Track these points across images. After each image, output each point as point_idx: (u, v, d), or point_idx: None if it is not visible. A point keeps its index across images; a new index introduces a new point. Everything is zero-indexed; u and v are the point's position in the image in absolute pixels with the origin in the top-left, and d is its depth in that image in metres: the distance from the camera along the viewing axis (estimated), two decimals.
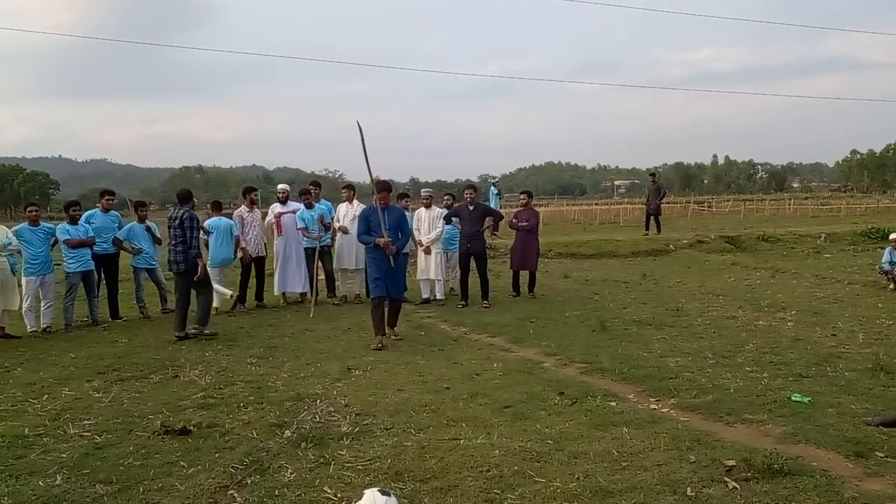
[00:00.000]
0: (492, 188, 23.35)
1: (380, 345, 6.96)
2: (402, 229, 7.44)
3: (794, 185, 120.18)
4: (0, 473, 3.88)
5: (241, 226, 10.04)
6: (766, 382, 5.26)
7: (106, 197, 9.82)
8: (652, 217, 18.77)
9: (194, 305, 8.11)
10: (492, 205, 21.03)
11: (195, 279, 8.02)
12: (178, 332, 7.79)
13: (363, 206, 10.42)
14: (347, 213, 10.23)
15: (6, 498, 3.53)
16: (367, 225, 7.31)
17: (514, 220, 10.45)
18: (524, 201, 10.71)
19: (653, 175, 20.74)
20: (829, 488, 3.33)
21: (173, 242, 8.00)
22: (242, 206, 10.33)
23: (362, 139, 7.52)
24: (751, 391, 5.04)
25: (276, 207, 10.45)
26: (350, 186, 11.04)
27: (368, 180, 7.66)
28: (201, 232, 8.78)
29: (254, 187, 10.85)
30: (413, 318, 8.73)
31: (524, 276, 10.50)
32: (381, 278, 7.27)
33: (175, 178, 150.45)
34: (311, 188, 10.36)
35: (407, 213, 9.65)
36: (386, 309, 7.39)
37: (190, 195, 8.41)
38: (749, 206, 39.19)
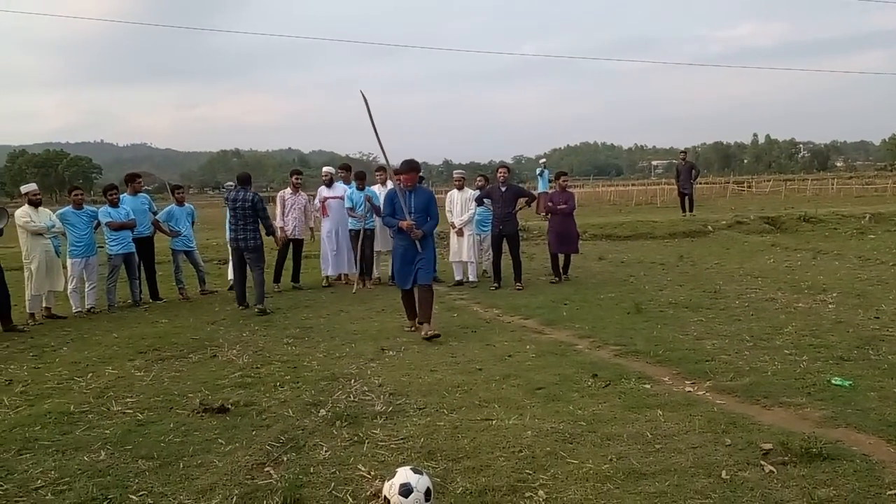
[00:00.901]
0: (539, 168, 21.77)
1: (412, 328, 6.87)
2: (429, 212, 6.84)
3: (838, 165, 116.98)
4: (47, 448, 4.02)
5: (281, 207, 10.19)
6: (806, 365, 5.15)
7: (136, 180, 10.00)
8: (686, 197, 18.13)
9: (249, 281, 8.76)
10: (540, 187, 20.35)
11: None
12: (259, 302, 8.37)
13: None
14: (381, 195, 10.27)
15: (53, 472, 3.65)
16: (391, 207, 6.83)
17: (550, 204, 10.33)
18: (564, 183, 10.55)
19: (684, 153, 19.80)
20: (869, 473, 3.26)
21: (242, 223, 8.55)
22: (287, 189, 10.45)
23: (368, 111, 7.07)
24: (789, 374, 4.95)
25: (323, 191, 10.51)
26: (383, 168, 11.06)
27: (386, 159, 7.47)
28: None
29: (299, 170, 10.93)
30: (446, 301, 8.75)
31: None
32: (407, 268, 6.82)
33: (213, 161, 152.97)
34: (340, 172, 10.48)
35: None
36: (416, 297, 6.94)
37: (249, 177, 8.96)
38: (790, 186, 38.35)
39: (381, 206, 7.40)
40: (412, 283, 6.81)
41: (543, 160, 21.94)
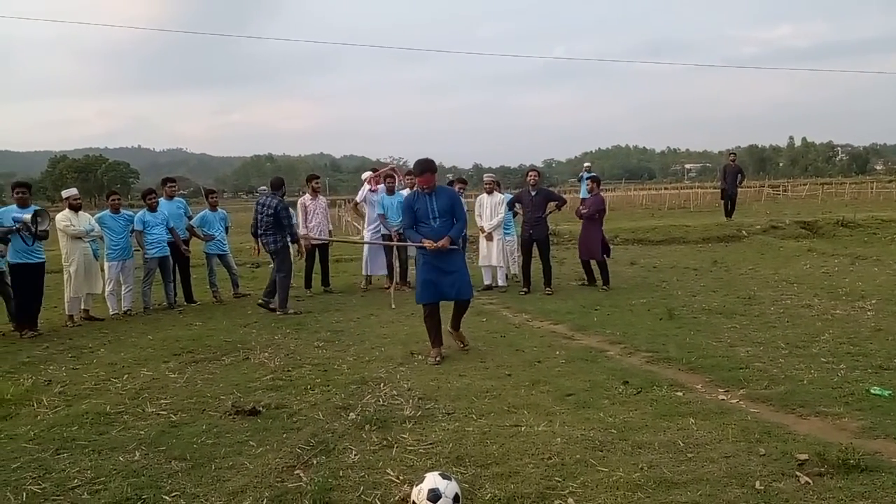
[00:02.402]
0: (586, 174, 20.79)
1: (438, 358, 5.87)
2: (455, 214, 6.01)
3: (878, 168, 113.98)
4: (84, 448, 4.10)
5: (304, 213, 10.23)
6: (843, 374, 5.04)
7: (168, 184, 10.15)
8: (730, 200, 17.44)
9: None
10: (582, 192, 19.84)
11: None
12: (281, 308, 8.57)
13: None
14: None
15: (89, 471, 3.73)
16: (412, 215, 5.99)
17: (580, 208, 10.25)
18: (591, 188, 10.38)
19: (734, 155, 19.05)
20: None
21: (264, 228, 8.73)
22: (306, 195, 10.50)
23: None
24: (826, 383, 4.84)
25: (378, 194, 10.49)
26: (412, 172, 11.10)
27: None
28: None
29: (316, 175, 10.97)
30: (475, 305, 8.70)
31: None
32: (433, 280, 5.95)
33: (247, 166, 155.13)
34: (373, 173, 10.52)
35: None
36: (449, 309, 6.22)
37: (282, 183, 9.10)
38: (827, 190, 37.54)
39: (402, 216, 6.50)
40: (444, 297, 6.00)
41: (588, 164, 20.89)
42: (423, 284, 6.02)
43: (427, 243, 5.84)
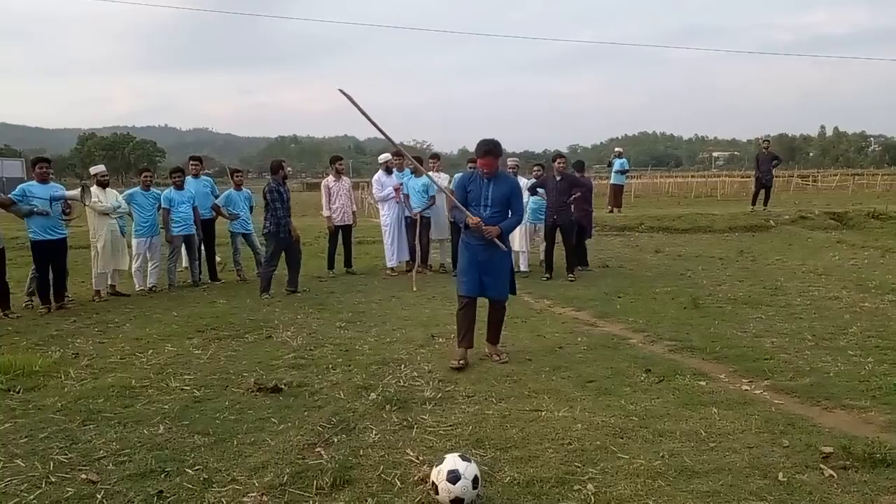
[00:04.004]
0: (617, 160, 19.00)
1: (462, 361, 5.24)
2: (512, 206, 5.39)
3: None
4: (110, 420, 4.17)
5: (327, 196, 10.23)
6: (871, 367, 4.95)
7: (192, 163, 10.21)
8: (765, 189, 16.92)
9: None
10: (612, 179, 19.06)
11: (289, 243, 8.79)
12: (263, 292, 8.53)
13: (447, 176, 10.46)
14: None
15: (114, 443, 3.79)
16: (464, 196, 5.41)
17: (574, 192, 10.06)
18: (562, 165, 10.37)
19: (767, 142, 18.47)
20: None
21: (265, 210, 8.75)
22: (329, 177, 10.47)
23: (356, 105, 5.44)
24: (853, 376, 4.76)
25: (383, 178, 10.43)
26: (436, 156, 11.08)
27: (391, 141, 6.35)
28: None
29: (340, 157, 10.87)
30: None
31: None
32: (473, 272, 5.40)
33: (271, 147, 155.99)
34: (395, 159, 10.46)
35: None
36: (486, 312, 5.61)
37: (279, 166, 9.00)
38: (858, 182, 36.81)
39: (456, 193, 5.65)
40: (483, 293, 5.46)
41: (619, 149, 19.88)
42: (463, 274, 5.46)
43: (471, 219, 5.22)
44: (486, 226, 5.22)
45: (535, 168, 10.39)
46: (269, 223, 8.69)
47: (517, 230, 9.86)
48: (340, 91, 5.36)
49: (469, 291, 5.42)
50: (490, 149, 5.23)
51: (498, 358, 5.38)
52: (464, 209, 5.30)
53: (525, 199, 9.83)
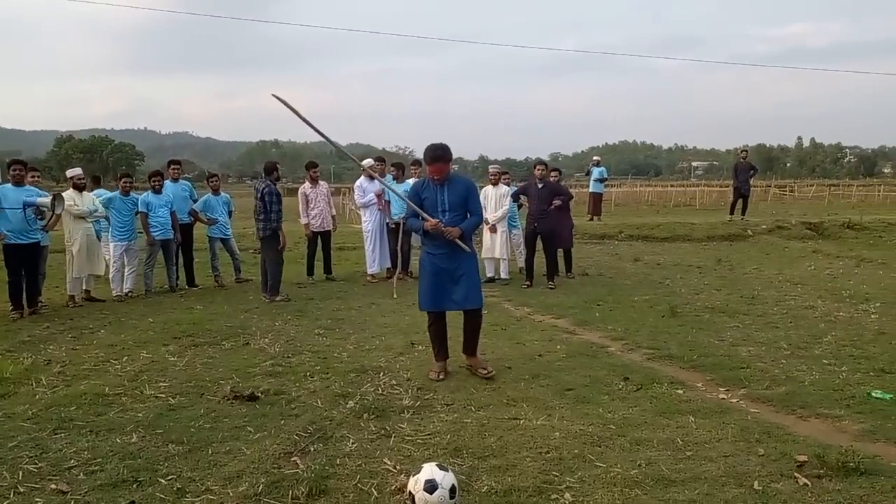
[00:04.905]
0: (595, 168, 19.08)
1: (441, 374, 5.12)
2: (470, 208, 5.18)
3: (886, 171, 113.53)
4: (82, 429, 4.10)
5: (304, 203, 10.16)
6: (845, 376, 5.01)
7: (172, 167, 10.13)
8: (743, 198, 17.10)
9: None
10: (590, 188, 19.11)
11: (278, 249, 8.73)
12: (268, 294, 8.52)
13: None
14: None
15: (86, 452, 3.73)
16: (419, 203, 5.16)
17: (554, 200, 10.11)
18: (556, 178, 10.37)
19: (745, 152, 18.39)
20: None
21: (255, 213, 8.72)
22: (306, 183, 10.39)
23: (293, 110, 5.22)
24: (827, 385, 4.81)
25: (365, 184, 10.31)
26: (417, 162, 11.06)
27: (334, 145, 6.04)
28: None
29: (315, 163, 10.75)
30: None
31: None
32: (437, 285, 5.13)
33: (252, 151, 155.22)
34: (377, 164, 10.44)
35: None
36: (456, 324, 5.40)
37: (273, 167, 9.00)
38: (834, 192, 37.40)
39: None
40: (451, 306, 5.19)
41: (597, 158, 19.98)
42: (425, 289, 5.20)
43: (428, 223, 5.02)
44: (444, 227, 5.01)
45: (502, 175, 10.27)
46: (266, 224, 8.58)
47: (498, 238, 9.92)
48: (274, 96, 5.14)
49: (431, 306, 5.19)
50: (439, 154, 5.01)
51: (485, 371, 5.09)
52: (420, 212, 5.10)
53: (506, 207, 9.89)
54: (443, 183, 5.11)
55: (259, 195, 8.61)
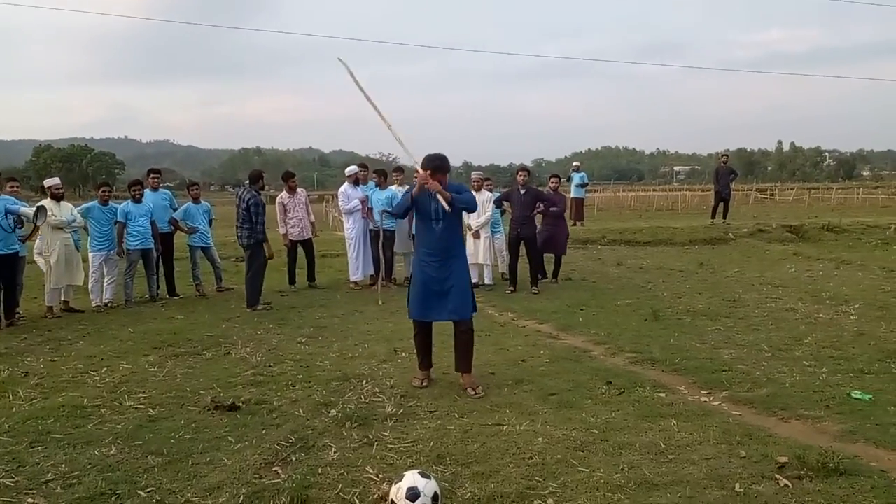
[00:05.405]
0: (575, 174, 19.39)
1: (424, 382, 5.08)
2: (462, 199, 5.01)
3: (864, 174, 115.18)
4: (59, 441, 4.04)
5: (282, 213, 10.09)
6: (825, 378, 5.06)
7: (152, 175, 10.04)
8: (724, 202, 17.30)
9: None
10: (571, 193, 19.09)
11: (262, 259, 8.69)
12: (248, 305, 8.42)
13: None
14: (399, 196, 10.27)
15: (64, 465, 3.67)
16: (404, 205, 5.16)
17: (551, 208, 10.24)
18: (554, 185, 10.88)
19: (725, 156, 18.69)
20: (887, 490, 3.19)
21: (239, 221, 8.63)
22: (283, 192, 10.28)
23: (354, 79, 5.33)
24: (808, 386, 4.85)
25: (349, 190, 10.27)
26: (399, 169, 11.07)
27: (401, 149, 5.30)
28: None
29: (292, 173, 10.63)
30: None
31: (548, 260, 10.44)
32: (425, 293, 5.03)
33: (234, 159, 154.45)
34: (360, 171, 10.43)
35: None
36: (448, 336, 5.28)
37: (259, 176, 8.98)
38: (814, 195, 37.88)
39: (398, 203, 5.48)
40: (439, 316, 5.08)
41: (577, 164, 20.45)
42: (413, 298, 5.11)
43: (420, 176, 4.84)
44: (440, 190, 4.81)
45: (487, 181, 10.37)
46: (251, 233, 8.54)
47: (481, 244, 9.93)
48: (340, 60, 5.38)
49: (420, 315, 5.08)
50: (438, 165, 4.91)
51: (474, 392, 4.84)
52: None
53: (489, 213, 9.90)
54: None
55: (244, 205, 8.53)
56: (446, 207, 4.89)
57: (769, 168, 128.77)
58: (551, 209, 10.01)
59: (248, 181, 9.09)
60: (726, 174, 17.14)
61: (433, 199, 4.96)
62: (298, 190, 10.32)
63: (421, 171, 4.88)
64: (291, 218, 10.08)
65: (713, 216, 17.65)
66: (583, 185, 19.51)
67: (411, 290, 5.19)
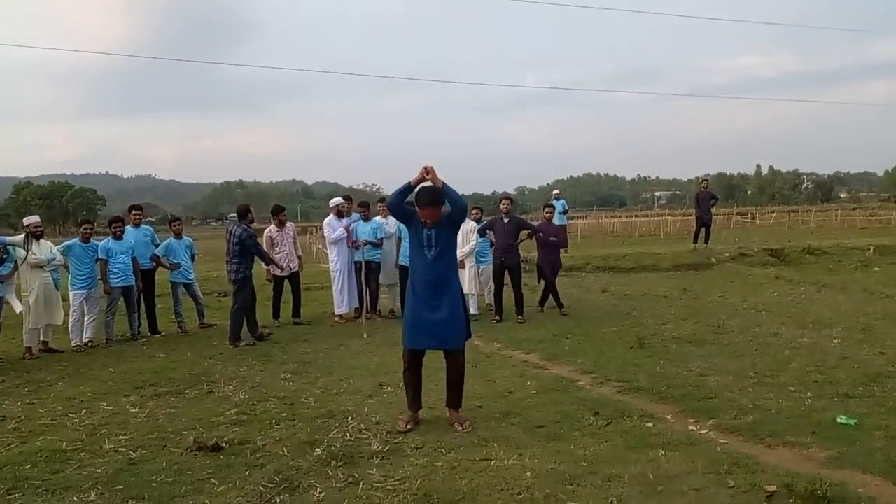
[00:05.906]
0: (556, 202, 18.81)
1: (409, 424, 4.86)
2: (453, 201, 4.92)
3: (842, 196, 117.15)
4: (37, 488, 3.94)
5: (270, 245, 10.05)
6: (811, 403, 5.07)
7: (133, 212, 9.98)
8: (706, 227, 17.41)
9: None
10: (556, 221, 19.64)
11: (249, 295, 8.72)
12: (230, 341, 8.39)
13: (395, 221, 10.45)
14: (385, 226, 10.27)
15: None
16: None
17: (540, 234, 10.32)
18: (549, 215, 10.97)
19: (706, 181, 18.87)
20: None
21: (228, 256, 8.69)
22: (272, 226, 10.28)
23: None
24: (794, 412, 4.86)
25: (333, 222, 10.26)
26: (384, 200, 11.08)
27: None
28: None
29: (282, 207, 10.67)
30: None
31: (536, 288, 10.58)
32: (418, 321, 4.91)
33: (216, 192, 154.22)
34: (345, 203, 10.43)
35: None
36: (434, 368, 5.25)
37: (247, 210, 8.96)
38: (794, 218, 38.37)
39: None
40: (429, 344, 4.97)
41: (556, 192, 20.56)
42: (406, 326, 5.02)
43: (427, 167, 4.82)
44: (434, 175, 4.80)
45: (474, 211, 10.44)
46: (242, 269, 8.58)
47: (466, 273, 9.90)
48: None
49: (412, 343, 4.94)
50: (434, 199, 4.84)
51: (461, 428, 4.74)
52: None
53: (473, 242, 9.92)
54: (433, 227, 4.91)
55: (237, 240, 8.51)
56: (438, 185, 4.83)
57: (749, 192, 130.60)
58: (551, 239, 10.14)
59: (235, 215, 9.07)
60: (707, 199, 17.28)
61: (426, 227, 4.91)
62: (288, 224, 10.30)
63: (427, 167, 4.82)
64: (279, 252, 10.02)
65: (695, 241, 17.80)
66: (564, 212, 19.63)
67: (406, 320, 5.08)
